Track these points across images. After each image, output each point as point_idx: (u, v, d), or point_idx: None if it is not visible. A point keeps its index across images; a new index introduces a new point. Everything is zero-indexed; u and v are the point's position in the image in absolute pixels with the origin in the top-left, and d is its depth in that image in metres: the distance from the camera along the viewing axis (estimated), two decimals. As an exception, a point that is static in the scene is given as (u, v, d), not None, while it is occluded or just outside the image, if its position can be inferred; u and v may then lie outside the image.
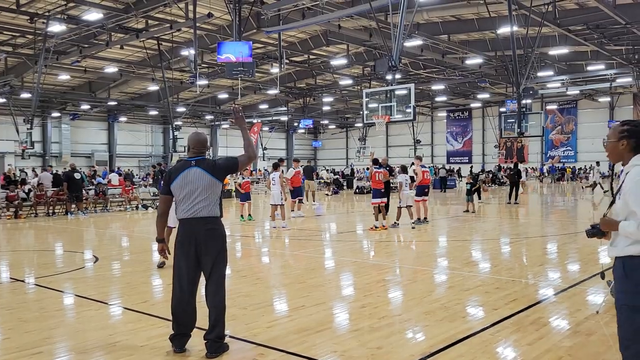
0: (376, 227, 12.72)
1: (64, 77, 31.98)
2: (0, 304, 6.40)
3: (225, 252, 4.47)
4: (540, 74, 30.81)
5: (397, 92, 16.95)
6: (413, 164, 14.54)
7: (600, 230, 3.06)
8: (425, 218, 14.15)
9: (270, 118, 46.16)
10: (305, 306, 5.93)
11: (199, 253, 4.34)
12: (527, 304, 5.93)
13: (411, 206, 13.70)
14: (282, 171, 15.22)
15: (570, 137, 47.82)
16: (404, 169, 13.95)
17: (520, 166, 22.42)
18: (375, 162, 13.66)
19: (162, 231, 4.65)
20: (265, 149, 45.35)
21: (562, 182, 42.26)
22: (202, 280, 4.49)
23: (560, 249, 10.22)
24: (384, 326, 5.17)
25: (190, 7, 19.12)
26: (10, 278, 8.00)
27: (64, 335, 5.11)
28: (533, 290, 6.73)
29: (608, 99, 42.73)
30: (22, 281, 7.72)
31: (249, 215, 15.68)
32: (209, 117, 47.75)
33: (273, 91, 35.74)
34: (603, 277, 4.58)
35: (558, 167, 45.09)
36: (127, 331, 5.12)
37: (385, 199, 13.19)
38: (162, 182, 4.79)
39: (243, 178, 17.25)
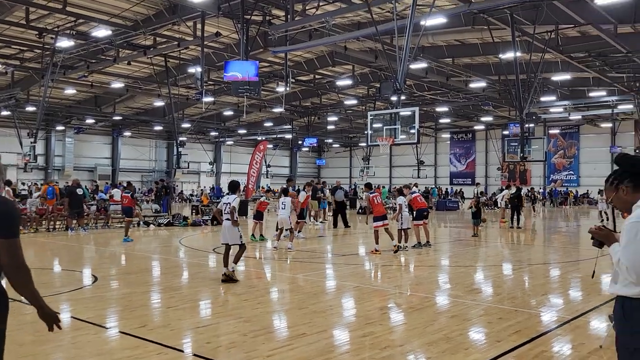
0: (377, 250, 12.67)
1: (70, 91, 32.16)
2: (-2, 324, 6.34)
3: None
4: (543, 98, 30.97)
5: (401, 114, 16.94)
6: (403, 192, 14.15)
7: (597, 240, 2.93)
8: (427, 242, 14.08)
9: (274, 136, 46.37)
10: (307, 334, 5.86)
11: None
12: (530, 336, 5.85)
13: (409, 228, 13.68)
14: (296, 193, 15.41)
15: (572, 161, 47.85)
16: (400, 192, 13.95)
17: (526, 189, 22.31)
18: (368, 186, 13.94)
19: None
20: (269, 166, 45.40)
21: (564, 206, 42.15)
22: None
23: (562, 277, 10.14)
24: (385, 357, 5.10)
25: (199, 26, 19.32)
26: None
27: (61, 360, 5.05)
28: (536, 322, 6.65)
29: (610, 124, 42.82)
30: (19, 301, 7.64)
31: (261, 235, 15.49)
32: (213, 133, 47.96)
33: (278, 109, 35.92)
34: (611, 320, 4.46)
35: (561, 191, 45.02)
36: (124, 358, 5.06)
37: (387, 222, 13.13)
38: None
39: (265, 199, 17.17)
